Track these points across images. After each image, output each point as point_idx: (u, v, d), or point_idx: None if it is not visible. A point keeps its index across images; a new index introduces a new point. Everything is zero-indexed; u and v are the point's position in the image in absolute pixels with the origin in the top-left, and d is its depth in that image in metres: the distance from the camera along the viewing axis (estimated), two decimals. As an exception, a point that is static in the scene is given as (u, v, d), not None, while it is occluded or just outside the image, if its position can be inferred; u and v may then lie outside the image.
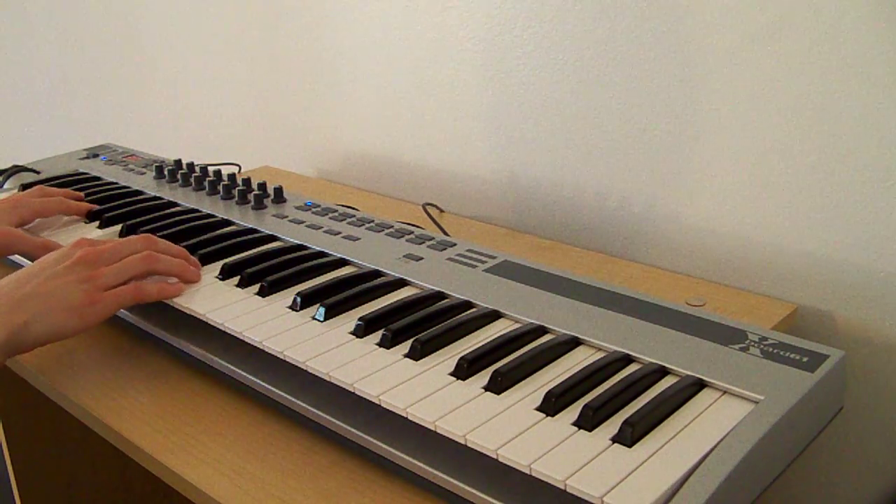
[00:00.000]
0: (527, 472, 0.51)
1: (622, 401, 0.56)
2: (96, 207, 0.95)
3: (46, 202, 0.92)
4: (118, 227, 0.91)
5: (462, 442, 0.54)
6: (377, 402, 0.58)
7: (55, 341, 0.69)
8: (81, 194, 0.99)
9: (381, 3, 1.15)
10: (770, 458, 0.54)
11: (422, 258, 0.80)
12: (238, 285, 0.76)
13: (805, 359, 0.60)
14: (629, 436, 0.52)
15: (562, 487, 0.49)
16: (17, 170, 1.15)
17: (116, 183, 1.07)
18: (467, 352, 0.62)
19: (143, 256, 0.75)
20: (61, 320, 0.68)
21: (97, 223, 0.93)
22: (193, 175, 1.03)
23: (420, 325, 0.67)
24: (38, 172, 1.14)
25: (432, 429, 0.55)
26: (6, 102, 2.28)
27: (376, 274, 0.77)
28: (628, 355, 0.62)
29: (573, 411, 0.56)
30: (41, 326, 0.68)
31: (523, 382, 0.60)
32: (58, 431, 1.13)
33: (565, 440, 0.53)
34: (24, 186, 1.05)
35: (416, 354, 0.63)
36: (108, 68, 1.85)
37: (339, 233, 0.86)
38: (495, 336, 0.65)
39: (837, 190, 0.80)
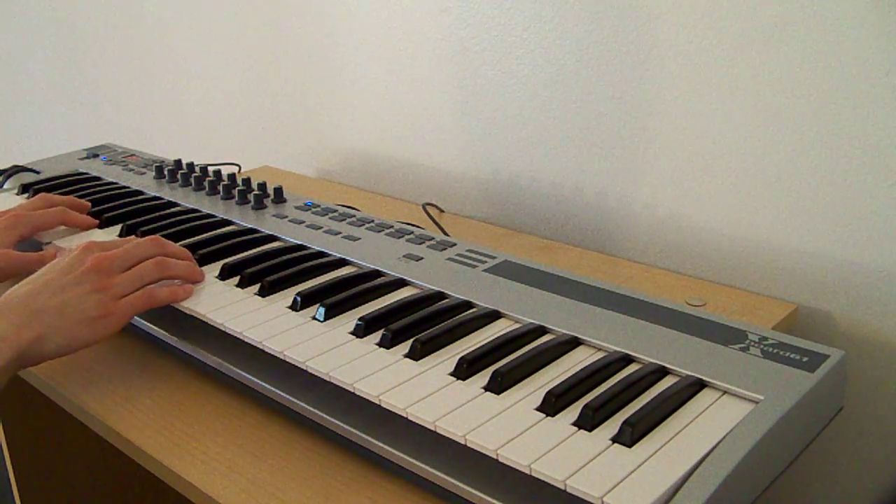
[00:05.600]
0: (527, 472, 0.51)
1: (622, 401, 0.56)
2: (97, 223, 0.92)
3: (46, 214, 0.88)
4: (118, 227, 0.91)
5: (462, 442, 0.54)
6: (377, 402, 0.58)
7: (68, 354, 0.68)
8: (86, 203, 0.95)
9: (382, 3, 1.15)
10: (770, 458, 0.54)
11: (422, 258, 0.80)
12: (238, 285, 0.76)
13: (805, 359, 0.60)
14: (629, 436, 0.52)
15: (562, 487, 0.49)
16: (17, 170, 1.15)
17: (116, 183, 1.07)
18: (467, 352, 0.62)
19: (156, 263, 0.73)
20: (75, 333, 0.67)
21: (97, 223, 0.93)
22: (193, 175, 1.03)
23: (420, 325, 0.67)
24: (38, 172, 1.14)
25: (432, 429, 0.55)
26: (6, 102, 2.28)
27: (376, 274, 0.77)
28: (628, 355, 0.62)
29: (573, 411, 0.56)
30: (55, 341, 0.66)
31: (523, 382, 0.60)
32: (58, 431, 1.13)
33: (565, 440, 0.53)
34: (25, 187, 1.05)
35: (416, 354, 0.63)
36: (108, 68, 1.85)
37: (339, 233, 0.86)
38: (495, 336, 0.65)
39: (837, 190, 0.80)
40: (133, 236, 0.84)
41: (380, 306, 0.70)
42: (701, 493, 0.48)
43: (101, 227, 0.93)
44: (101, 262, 0.71)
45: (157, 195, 1.01)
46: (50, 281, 0.69)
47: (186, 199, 0.99)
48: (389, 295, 0.74)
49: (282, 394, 0.64)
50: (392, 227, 0.88)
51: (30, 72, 2.14)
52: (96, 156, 1.21)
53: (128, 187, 1.04)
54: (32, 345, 0.65)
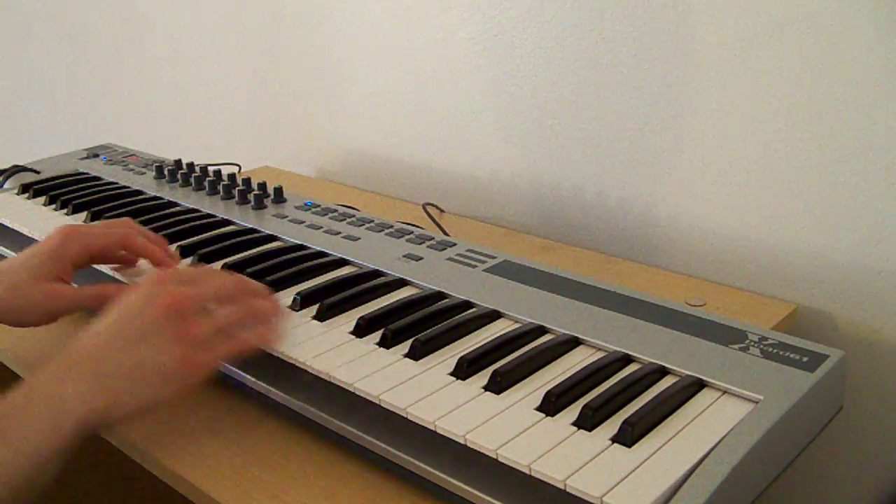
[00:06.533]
0: (527, 472, 0.51)
1: (622, 401, 0.56)
2: (177, 261, 0.79)
3: (106, 235, 0.75)
4: (118, 227, 0.91)
5: (462, 442, 0.54)
6: (377, 402, 0.58)
7: (143, 416, 0.59)
8: (175, 259, 0.79)
9: (382, 3, 1.15)
10: (770, 458, 0.54)
11: (422, 258, 0.80)
12: (238, 285, 0.76)
13: (805, 359, 0.60)
14: (629, 436, 0.52)
15: (562, 487, 0.49)
16: (17, 170, 1.15)
17: (116, 183, 1.07)
18: (467, 352, 0.62)
19: (241, 303, 0.64)
20: (152, 393, 0.58)
21: (95, 221, 0.93)
22: (193, 175, 1.03)
23: (420, 325, 0.67)
24: (38, 172, 1.14)
25: (432, 429, 0.55)
26: (6, 102, 2.27)
27: (376, 274, 0.77)
28: (628, 355, 0.62)
29: (573, 411, 0.56)
30: (129, 405, 0.57)
31: (523, 382, 0.60)
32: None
33: (565, 440, 0.53)
34: (25, 187, 1.05)
35: (416, 354, 0.63)
36: (108, 68, 1.85)
37: (339, 233, 0.87)
38: (495, 336, 0.65)
39: (837, 190, 0.80)
40: (202, 264, 0.76)
41: (380, 306, 0.70)
42: (701, 493, 0.48)
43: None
44: (178, 302, 0.60)
45: (157, 195, 1.01)
46: (120, 332, 0.59)
47: (186, 199, 0.99)
48: (389, 295, 0.74)
49: (282, 394, 0.64)
50: (392, 227, 0.88)
51: (30, 71, 2.14)
52: (96, 156, 1.21)
53: (128, 187, 1.04)
54: (102, 413, 0.56)
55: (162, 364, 0.58)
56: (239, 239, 0.85)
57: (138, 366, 0.57)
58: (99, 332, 0.59)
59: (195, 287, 0.62)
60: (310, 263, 0.79)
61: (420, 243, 0.83)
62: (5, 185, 1.13)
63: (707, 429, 0.54)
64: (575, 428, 0.54)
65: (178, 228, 0.88)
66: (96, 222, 0.78)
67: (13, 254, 0.91)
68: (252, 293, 0.66)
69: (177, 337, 0.59)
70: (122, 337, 0.58)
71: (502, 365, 0.60)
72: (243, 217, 0.92)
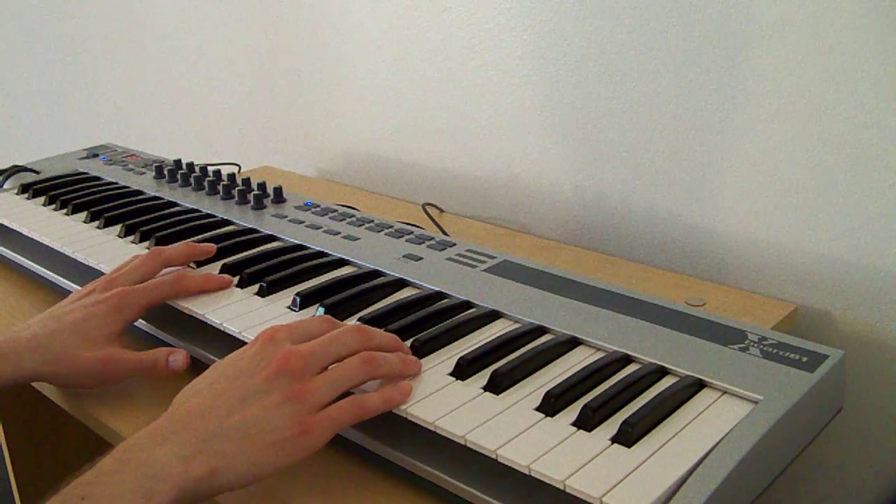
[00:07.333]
0: (526, 472, 0.51)
1: (622, 401, 0.56)
2: (231, 281, 0.76)
3: (159, 287, 0.71)
4: (118, 227, 0.91)
5: (462, 442, 0.54)
6: (377, 402, 0.58)
7: (249, 485, 0.53)
8: (210, 247, 0.80)
9: (382, 3, 1.15)
10: (770, 458, 0.54)
11: (421, 258, 0.80)
12: (237, 285, 0.76)
13: (805, 359, 0.60)
14: (629, 436, 0.52)
15: (561, 487, 0.49)
16: (17, 170, 1.15)
17: (116, 183, 1.07)
18: (466, 352, 0.62)
19: (364, 360, 0.57)
20: (261, 460, 0.52)
21: (95, 221, 0.93)
22: (193, 175, 1.03)
23: (419, 325, 0.67)
24: (38, 172, 1.14)
25: (432, 429, 0.55)
26: (6, 102, 2.28)
27: (376, 274, 0.77)
28: (628, 355, 0.62)
29: (573, 411, 0.56)
30: (234, 472, 0.51)
31: (523, 382, 0.60)
32: (58, 431, 1.13)
33: (565, 440, 0.53)
34: (25, 187, 1.05)
35: (415, 355, 0.63)
36: (108, 68, 1.85)
37: (339, 233, 0.87)
38: (495, 336, 0.65)
39: (837, 190, 0.80)
40: (320, 317, 0.64)
41: (379, 306, 0.70)
42: (700, 493, 0.48)
43: (101, 227, 0.92)
44: (291, 360, 0.55)
45: (157, 195, 1.01)
46: (225, 390, 0.54)
47: (186, 199, 0.99)
48: (389, 295, 0.74)
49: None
50: (392, 227, 0.88)
51: (30, 72, 2.14)
52: (96, 156, 1.21)
53: (128, 187, 1.04)
54: (203, 480, 0.50)
55: (273, 428, 0.52)
56: (238, 239, 0.85)
57: (245, 428, 0.52)
58: (201, 390, 0.55)
59: (312, 344, 0.58)
60: (309, 263, 0.79)
61: (420, 243, 0.83)
62: (5, 185, 1.13)
63: (707, 429, 0.54)
64: (574, 428, 0.54)
65: (177, 228, 0.88)
66: (135, 264, 0.74)
67: (13, 254, 0.91)
68: (378, 347, 0.60)
69: (291, 397, 0.54)
70: (227, 396, 0.53)
71: (502, 365, 0.60)
72: (243, 217, 0.92)
